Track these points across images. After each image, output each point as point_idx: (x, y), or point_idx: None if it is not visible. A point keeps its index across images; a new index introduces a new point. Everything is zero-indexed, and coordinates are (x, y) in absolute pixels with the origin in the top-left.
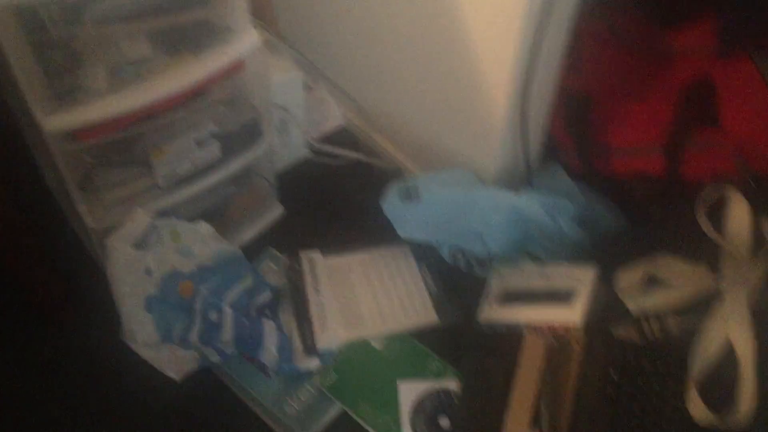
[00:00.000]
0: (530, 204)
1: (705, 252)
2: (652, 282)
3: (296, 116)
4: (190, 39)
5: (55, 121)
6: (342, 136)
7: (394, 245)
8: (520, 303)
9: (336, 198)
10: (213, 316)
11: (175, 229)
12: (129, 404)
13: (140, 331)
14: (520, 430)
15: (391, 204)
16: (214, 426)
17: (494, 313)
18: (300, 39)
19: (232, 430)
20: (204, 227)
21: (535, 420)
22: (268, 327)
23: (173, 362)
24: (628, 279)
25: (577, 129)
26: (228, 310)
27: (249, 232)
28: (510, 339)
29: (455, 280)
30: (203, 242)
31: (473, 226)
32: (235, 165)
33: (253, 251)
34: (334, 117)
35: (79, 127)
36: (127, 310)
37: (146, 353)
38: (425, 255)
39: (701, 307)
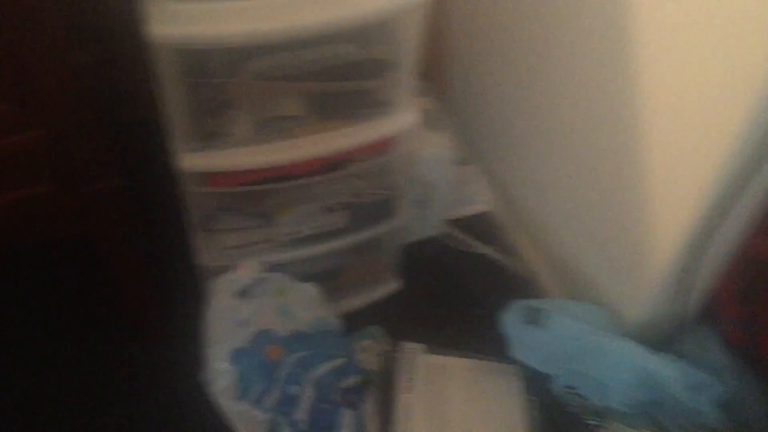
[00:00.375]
0: (669, 371)
1: None
2: None
3: (439, 193)
4: (347, 107)
5: (191, 161)
6: (482, 223)
7: (504, 361)
8: None
9: (457, 288)
10: (293, 389)
11: (282, 286)
12: None
13: (220, 379)
14: None
15: (513, 322)
16: None
17: None
18: (468, 108)
19: None
20: (312, 290)
21: None
22: (347, 418)
23: (244, 419)
24: None
25: (750, 298)
26: (309, 390)
27: (359, 301)
28: None
29: (562, 421)
30: (306, 306)
31: (597, 374)
32: (359, 237)
33: (357, 321)
34: (480, 201)
35: (213, 171)
36: (212, 355)
37: (221, 401)
38: (535, 384)
39: None
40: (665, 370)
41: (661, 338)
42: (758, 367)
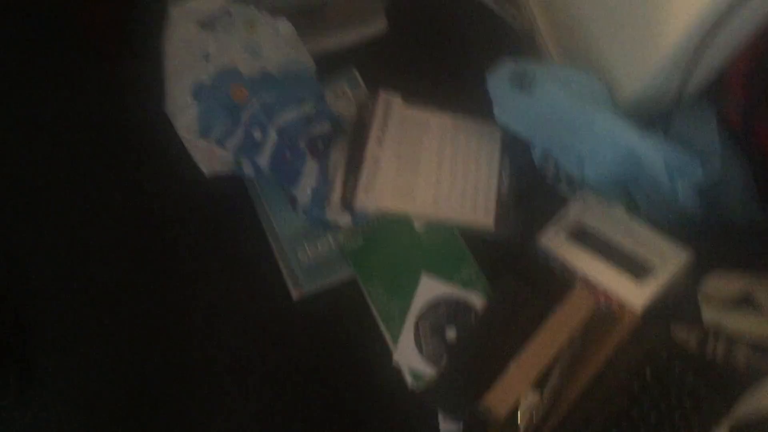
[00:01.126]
0: (652, 151)
1: None
2: (744, 301)
3: None
4: None
5: None
6: None
7: (485, 122)
8: (590, 249)
9: (447, 38)
10: (257, 134)
11: (251, 19)
12: (148, 176)
13: (181, 114)
14: (521, 381)
15: (499, 83)
16: (223, 236)
17: (557, 244)
18: None
19: (238, 248)
20: (285, 26)
21: (542, 379)
22: (309, 167)
23: (207, 156)
24: (719, 286)
25: (757, 82)
26: (273, 135)
27: (338, 43)
28: (559, 281)
29: (533, 188)
30: (278, 44)
31: (578, 146)
32: None
33: (333, 65)
34: None
35: None
36: (173, 87)
37: (184, 134)
38: (514, 147)
39: None
40: (649, 149)
41: (654, 115)
42: (748, 155)
